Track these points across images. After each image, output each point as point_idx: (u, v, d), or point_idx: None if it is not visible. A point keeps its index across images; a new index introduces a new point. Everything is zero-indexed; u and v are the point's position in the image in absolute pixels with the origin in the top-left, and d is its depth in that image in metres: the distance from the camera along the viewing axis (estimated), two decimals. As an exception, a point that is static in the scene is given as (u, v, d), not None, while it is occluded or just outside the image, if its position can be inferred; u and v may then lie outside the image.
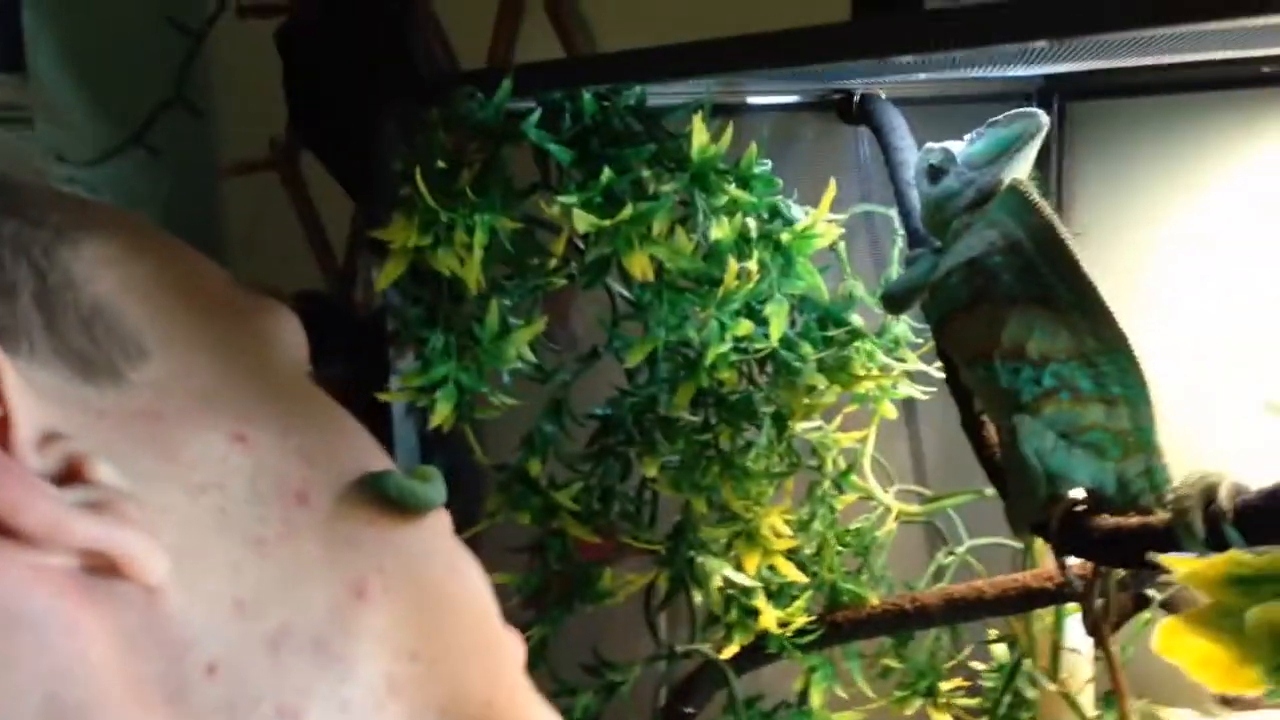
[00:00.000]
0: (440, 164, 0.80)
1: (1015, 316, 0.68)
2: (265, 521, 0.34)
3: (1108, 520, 0.64)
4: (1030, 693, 0.97)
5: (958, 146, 0.79)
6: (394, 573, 0.36)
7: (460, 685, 0.37)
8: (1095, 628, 0.68)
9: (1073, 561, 0.72)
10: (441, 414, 0.83)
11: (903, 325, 0.95)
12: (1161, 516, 0.61)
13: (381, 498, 0.37)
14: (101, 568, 0.30)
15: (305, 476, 0.35)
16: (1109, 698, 0.97)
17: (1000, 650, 1.02)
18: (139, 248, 0.37)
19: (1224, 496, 0.56)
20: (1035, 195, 0.70)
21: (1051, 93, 1.06)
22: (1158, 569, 0.53)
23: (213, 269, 0.40)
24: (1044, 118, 0.74)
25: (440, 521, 0.40)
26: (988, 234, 0.71)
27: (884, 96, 0.96)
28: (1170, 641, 0.48)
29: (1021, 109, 0.75)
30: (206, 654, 0.31)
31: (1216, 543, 0.56)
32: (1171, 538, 0.59)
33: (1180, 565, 0.46)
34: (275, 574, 0.33)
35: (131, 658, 0.30)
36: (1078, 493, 0.68)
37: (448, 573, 0.39)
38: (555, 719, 0.41)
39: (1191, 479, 0.59)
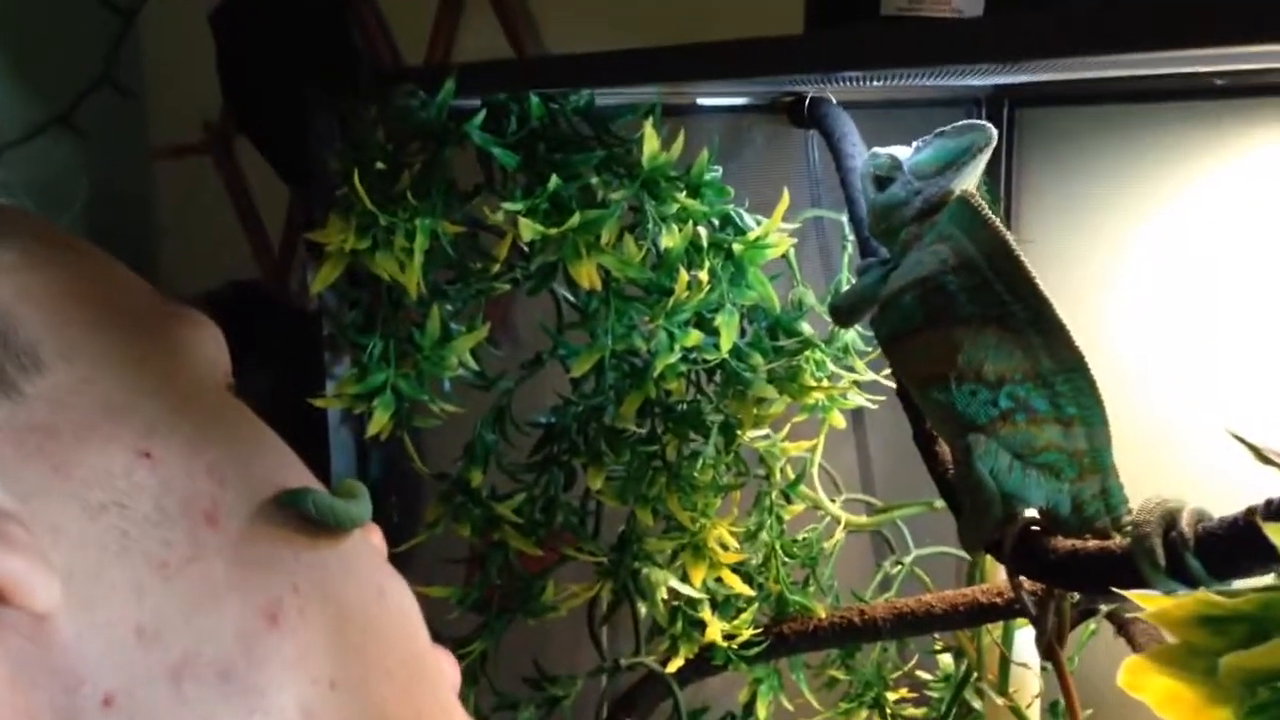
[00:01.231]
0: (379, 165, 0.77)
1: (970, 337, 0.67)
2: (170, 543, 0.32)
3: (1064, 543, 0.63)
4: (977, 703, 0.97)
5: (904, 152, 0.77)
6: (310, 595, 0.34)
7: (384, 712, 0.35)
8: (1050, 649, 0.67)
9: (1024, 580, 0.71)
10: (379, 422, 0.80)
11: (851, 333, 0.94)
12: (1120, 541, 0.60)
13: (299, 516, 0.35)
14: None
15: (215, 495, 0.34)
16: (1055, 708, 0.97)
17: (947, 660, 1.01)
18: (41, 255, 0.35)
19: (1185, 524, 0.55)
20: (986, 208, 0.68)
21: (1002, 99, 1.06)
22: (1117, 597, 0.52)
23: (127, 277, 0.38)
24: (992, 131, 0.73)
25: (364, 539, 0.39)
26: (939, 249, 0.70)
27: (834, 100, 0.94)
28: (1135, 679, 0.46)
29: (970, 121, 0.74)
30: (103, 685, 0.30)
31: (1177, 571, 0.55)
32: (1130, 564, 0.57)
33: (1148, 602, 0.45)
34: (180, 599, 0.31)
35: (19, 688, 0.28)
36: (1031, 512, 0.67)
37: (371, 593, 0.37)
38: None
39: (1150, 505, 0.58)
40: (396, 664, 0.36)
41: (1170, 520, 0.56)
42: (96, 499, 0.31)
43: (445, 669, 0.40)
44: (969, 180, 0.74)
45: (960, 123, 0.75)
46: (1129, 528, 0.61)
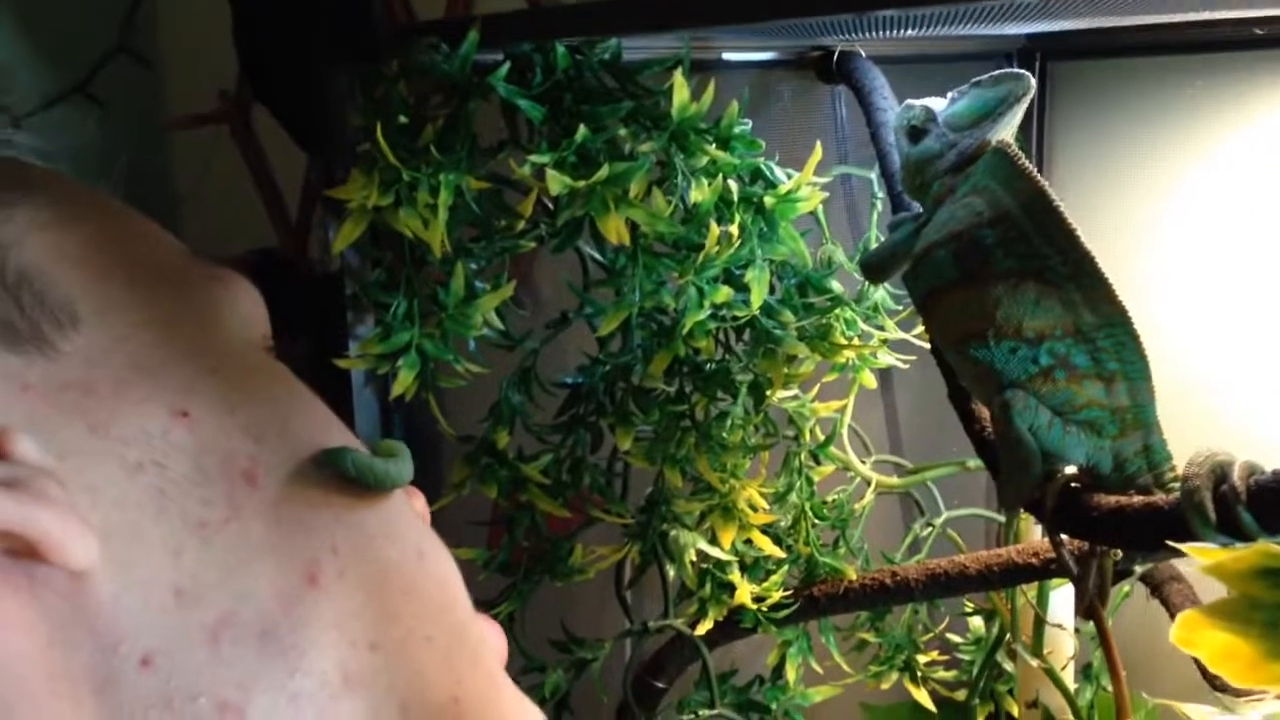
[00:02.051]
0: (401, 119, 0.76)
1: (1008, 293, 0.65)
2: (208, 503, 0.32)
3: (1108, 499, 0.62)
4: (1009, 665, 0.96)
5: (938, 104, 0.75)
6: (350, 556, 0.34)
7: (425, 679, 0.34)
8: (1091, 609, 0.65)
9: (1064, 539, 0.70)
10: (404, 383, 0.79)
11: (881, 292, 0.93)
12: (1166, 497, 0.59)
13: (339, 476, 0.35)
14: (20, 551, 0.28)
15: (253, 455, 0.33)
16: (1088, 672, 0.96)
17: (978, 623, 1.00)
18: (78, 215, 0.35)
19: (1237, 477, 0.54)
20: (1022, 159, 0.67)
21: (1034, 52, 1.03)
22: (1167, 551, 0.51)
23: (163, 237, 0.38)
24: (1030, 80, 0.71)
25: (405, 501, 0.38)
26: (974, 201, 0.68)
27: (863, 54, 0.92)
28: (1189, 634, 0.45)
29: (1008, 70, 0.71)
30: (141, 645, 0.29)
31: (1227, 525, 0.53)
32: (1178, 519, 0.56)
33: (1203, 555, 0.44)
34: (218, 559, 0.31)
35: (56, 648, 0.28)
36: (1071, 469, 0.66)
37: (411, 556, 0.36)
38: (531, 712, 0.38)
39: (1200, 458, 0.56)
40: (436, 630, 0.36)
41: (1221, 474, 0.55)
42: (134, 458, 0.31)
43: (489, 637, 0.40)
44: (1005, 132, 0.72)
45: (997, 72, 0.73)
46: (1175, 483, 0.59)
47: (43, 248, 0.33)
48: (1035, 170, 0.67)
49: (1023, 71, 0.72)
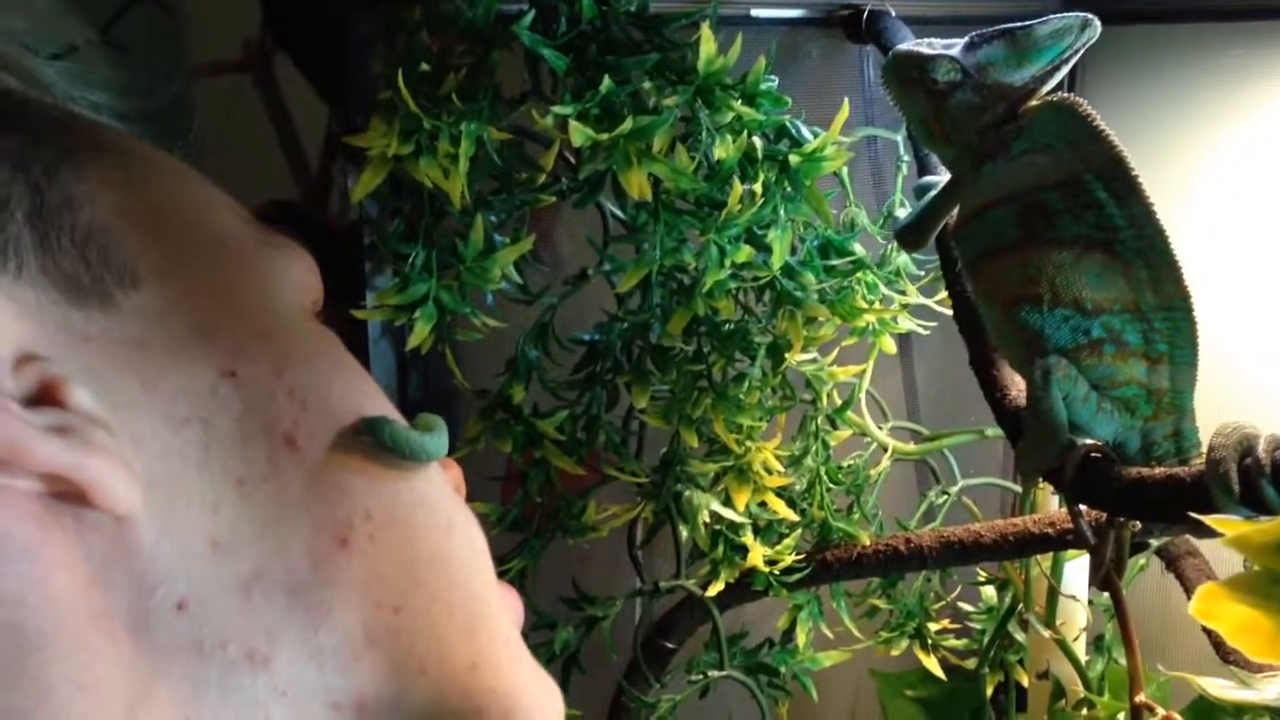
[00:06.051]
0: (424, 67, 0.75)
1: (1072, 261, 0.63)
2: (249, 461, 0.33)
3: (1129, 470, 0.61)
4: (1020, 635, 0.95)
5: (947, 46, 0.70)
6: (382, 523, 0.35)
7: (445, 644, 0.36)
8: (1107, 580, 0.65)
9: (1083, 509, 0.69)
10: (420, 335, 0.79)
11: (904, 256, 0.91)
12: (1188, 469, 0.58)
13: (376, 445, 0.36)
14: (69, 494, 0.29)
15: (296, 418, 0.34)
16: (1099, 643, 0.95)
17: (990, 592, 0.99)
18: (146, 176, 0.36)
19: (1262, 450, 0.53)
20: (1097, 119, 0.63)
21: (1066, 16, 1.01)
22: (1189, 524, 0.50)
23: (225, 203, 0.39)
24: (1097, 23, 0.66)
25: (439, 473, 0.39)
26: (1035, 160, 0.65)
27: (893, 14, 0.91)
28: (1209, 606, 0.44)
29: (1065, 14, 0.67)
30: (177, 590, 0.31)
31: (1250, 498, 0.53)
32: (1199, 491, 0.55)
33: (1227, 528, 0.43)
34: (255, 515, 0.32)
35: (97, 588, 0.29)
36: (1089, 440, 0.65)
37: (441, 526, 0.38)
38: (546, 684, 0.39)
39: (1226, 429, 0.55)
40: (460, 598, 0.37)
41: (1246, 446, 0.54)
42: (181, 413, 0.32)
43: (509, 605, 0.40)
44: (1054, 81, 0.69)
45: (1053, 17, 0.68)
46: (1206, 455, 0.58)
47: (111, 207, 0.34)
48: (1111, 132, 0.63)
49: (1087, 15, 0.67)
